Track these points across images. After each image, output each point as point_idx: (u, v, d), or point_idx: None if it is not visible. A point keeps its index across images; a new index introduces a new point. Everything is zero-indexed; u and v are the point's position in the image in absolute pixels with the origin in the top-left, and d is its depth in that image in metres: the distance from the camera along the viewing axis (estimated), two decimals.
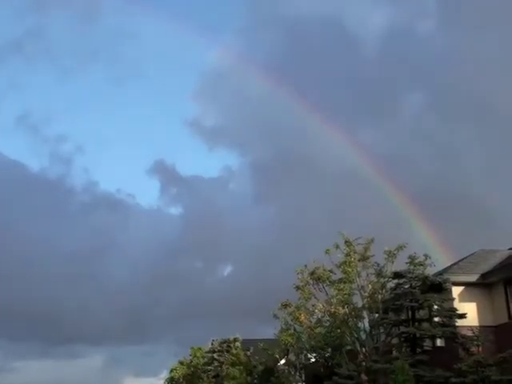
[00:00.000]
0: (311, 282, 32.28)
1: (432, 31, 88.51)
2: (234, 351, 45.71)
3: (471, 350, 25.04)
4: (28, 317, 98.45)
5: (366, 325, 30.89)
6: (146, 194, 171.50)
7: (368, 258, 30.89)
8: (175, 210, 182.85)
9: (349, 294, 30.94)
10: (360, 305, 30.91)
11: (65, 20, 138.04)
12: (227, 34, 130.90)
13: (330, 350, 32.43)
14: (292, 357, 37.28)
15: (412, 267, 27.82)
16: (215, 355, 50.97)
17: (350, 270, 30.63)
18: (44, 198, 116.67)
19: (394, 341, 29.29)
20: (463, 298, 28.41)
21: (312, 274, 32.08)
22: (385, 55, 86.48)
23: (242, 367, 40.79)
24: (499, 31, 69.75)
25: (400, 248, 29.97)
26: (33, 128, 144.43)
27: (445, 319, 26.51)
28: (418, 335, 26.92)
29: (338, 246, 31.15)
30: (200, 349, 53.96)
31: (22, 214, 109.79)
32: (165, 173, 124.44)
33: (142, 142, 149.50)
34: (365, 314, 30.87)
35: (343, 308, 30.71)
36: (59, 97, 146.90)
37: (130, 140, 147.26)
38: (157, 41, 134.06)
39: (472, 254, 31.94)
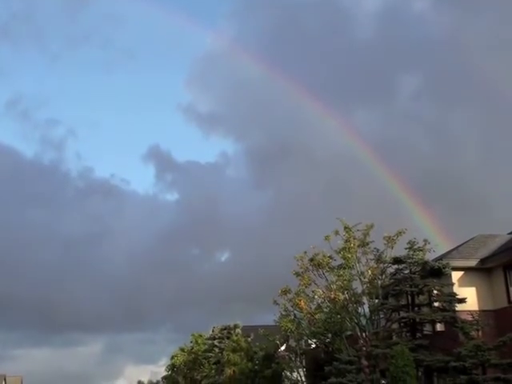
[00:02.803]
0: (311, 268, 32.36)
1: (429, 10, 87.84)
2: (234, 338, 45.81)
3: (471, 334, 25.09)
4: (26, 305, 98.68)
5: (366, 310, 31.02)
6: (142, 179, 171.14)
7: (367, 243, 30.97)
8: (171, 196, 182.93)
9: (348, 280, 31.04)
10: (360, 290, 31.02)
11: (53, 3, 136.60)
12: (220, 17, 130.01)
13: (330, 335, 32.53)
14: (292, 343, 37.41)
15: (411, 253, 27.86)
16: (216, 342, 51.12)
17: (349, 255, 30.71)
18: (38, 184, 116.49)
19: (394, 326, 29.39)
20: (463, 282, 28.46)
21: (312, 260, 32.16)
22: (380, 36, 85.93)
23: (242, 353, 40.92)
24: (498, 11, 69.26)
25: (399, 234, 30.05)
26: (23, 113, 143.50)
27: (444, 304, 26.58)
28: (417, 320, 27.00)
29: (337, 232, 31.21)
30: (201, 335, 54.11)
31: (17, 201, 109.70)
32: (160, 158, 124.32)
33: (135, 127, 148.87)
34: (365, 299, 30.99)
35: (343, 294, 30.83)
36: (50, 81, 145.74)
37: (123, 125, 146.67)
38: (148, 25, 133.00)
39: (471, 239, 31.97)
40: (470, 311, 26.24)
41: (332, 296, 31.08)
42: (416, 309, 27.52)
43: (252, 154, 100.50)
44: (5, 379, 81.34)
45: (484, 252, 29.81)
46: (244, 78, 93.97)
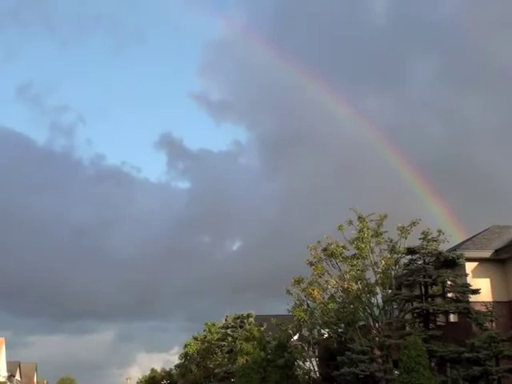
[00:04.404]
0: (324, 257, 32.33)
1: None
2: (247, 327, 45.83)
3: (484, 325, 25.01)
4: (38, 293, 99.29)
5: (379, 300, 30.98)
6: (153, 167, 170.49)
7: (381, 233, 30.88)
8: (183, 184, 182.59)
9: (362, 270, 31.01)
10: (373, 280, 30.97)
11: None
12: (231, 3, 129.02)
13: (343, 325, 32.51)
14: (305, 332, 37.37)
15: (425, 243, 27.72)
16: (229, 331, 51.14)
17: (363, 245, 30.66)
18: (49, 171, 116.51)
19: (407, 316, 29.33)
20: (477, 273, 28.36)
21: (325, 250, 32.12)
22: (393, 21, 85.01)
23: (255, 342, 40.89)
24: None
25: (413, 224, 29.94)
26: (34, 99, 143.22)
27: (458, 295, 26.48)
28: (431, 311, 26.92)
29: (351, 222, 31.14)
30: (214, 324, 54.20)
31: (28, 188, 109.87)
32: (172, 146, 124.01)
33: (147, 114, 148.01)
34: (378, 289, 30.95)
35: (356, 284, 30.80)
36: (59, 66, 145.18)
37: (134, 112, 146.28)
38: (160, 10, 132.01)
39: (486, 230, 31.83)
40: (483, 302, 26.16)
41: (345, 286, 31.06)
42: (429, 299, 27.42)
43: (264, 142, 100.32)
44: (19, 366, 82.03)
45: (498, 243, 29.67)
46: (256, 64, 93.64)
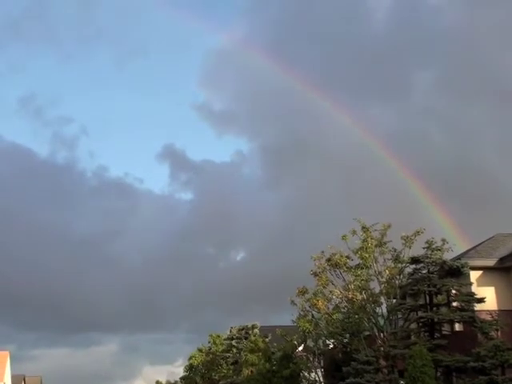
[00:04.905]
0: (328, 268, 32.29)
1: (443, 4, 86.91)
2: (252, 338, 45.82)
3: (490, 334, 24.96)
4: (42, 305, 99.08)
5: (384, 310, 30.90)
6: (156, 179, 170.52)
7: (385, 243, 30.85)
8: (186, 196, 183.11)
9: (366, 280, 30.95)
10: (377, 290, 30.91)
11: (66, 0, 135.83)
12: (232, 14, 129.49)
13: (348, 335, 32.43)
14: (310, 343, 37.31)
15: (429, 252, 27.72)
16: (234, 342, 51.13)
17: (367, 255, 30.61)
18: (52, 183, 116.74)
19: (412, 326, 29.27)
20: (481, 282, 28.28)
21: (329, 260, 32.08)
22: (394, 30, 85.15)
23: (260, 354, 40.86)
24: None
25: (417, 233, 29.90)
26: (36, 111, 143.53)
27: (463, 304, 26.43)
28: (436, 320, 26.87)
29: (354, 232, 31.11)
30: (219, 336, 54.15)
31: (31, 201, 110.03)
32: (175, 157, 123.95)
33: (149, 125, 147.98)
34: (382, 299, 30.87)
35: (361, 294, 30.73)
36: (62, 79, 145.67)
37: (136, 123, 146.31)
38: (161, 23, 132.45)
39: (490, 238, 31.77)
40: (488, 311, 26.09)
41: (350, 296, 30.99)
42: (434, 309, 27.39)
43: (266, 152, 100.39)
44: (24, 380, 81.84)
45: (503, 251, 29.60)
46: (257, 75, 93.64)
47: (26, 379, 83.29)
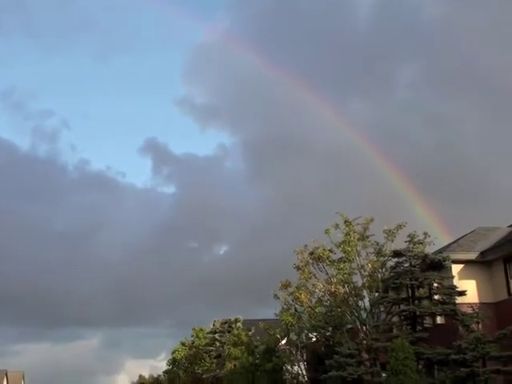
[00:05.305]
0: (311, 261, 32.37)
1: None
2: (235, 332, 45.85)
3: (471, 327, 25.12)
4: (24, 300, 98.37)
5: (367, 303, 31.04)
6: (138, 172, 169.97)
7: (367, 237, 30.97)
8: (168, 189, 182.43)
9: (349, 274, 31.07)
10: (360, 284, 31.04)
11: None
12: (215, 8, 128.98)
13: (330, 329, 32.56)
14: (293, 336, 37.44)
15: (411, 246, 27.83)
16: (217, 336, 51.18)
17: (349, 249, 30.72)
18: (34, 176, 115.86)
19: (395, 319, 29.41)
20: (463, 275, 28.48)
21: (312, 253, 32.17)
22: (377, 25, 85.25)
23: (243, 347, 40.95)
24: None
25: (399, 227, 30.04)
26: (17, 104, 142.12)
27: (445, 297, 26.57)
28: (418, 313, 27.00)
29: (337, 226, 31.20)
30: (202, 329, 54.16)
31: (12, 194, 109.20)
32: (157, 151, 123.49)
33: (131, 119, 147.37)
34: (365, 292, 31.00)
35: (343, 287, 30.86)
36: (42, 72, 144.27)
37: (118, 117, 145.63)
38: (144, 17, 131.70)
39: (471, 232, 31.99)
40: (470, 304, 26.27)
41: (332, 289, 31.10)
42: (416, 302, 27.51)
43: (249, 146, 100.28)
44: (6, 375, 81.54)
45: (484, 245, 29.82)
46: (240, 69, 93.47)
47: (8, 374, 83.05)
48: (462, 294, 26.56)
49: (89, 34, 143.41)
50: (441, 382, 25.13)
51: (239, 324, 50.06)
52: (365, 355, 28.81)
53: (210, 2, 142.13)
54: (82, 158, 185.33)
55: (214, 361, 49.18)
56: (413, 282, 27.09)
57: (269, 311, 38.62)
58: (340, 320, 31.31)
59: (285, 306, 34.86)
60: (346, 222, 31.10)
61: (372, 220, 31.19)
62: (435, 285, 27.40)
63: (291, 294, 33.73)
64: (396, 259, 28.57)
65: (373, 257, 30.81)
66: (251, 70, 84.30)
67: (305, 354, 37.14)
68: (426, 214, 42.73)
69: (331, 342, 32.04)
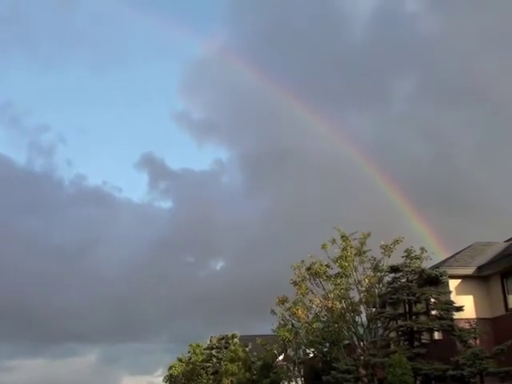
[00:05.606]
0: (308, 277, 32.32)
1: (422, 11, 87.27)
2: (232, 347, 45.70)
3: (468, 342, 25.05)
4: (18, 315, 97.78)
5: (364, 319, 30.95)
6: (135, 187, 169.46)
7: (364, 252, 30.93)
8: (165, 204, 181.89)
9: (346, 289, 31.00)
10: (357, 299, 30.95)
11: (42, 4, 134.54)
12: (212, 23, 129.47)
13: (327, 344, 32.44)
14: (290, 352, 37.29)
15: (408, 261, 27.81)
16: (214, 352, 51.04)
17: (346, 264, 30.67)
18: (30, 191, 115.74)
19: (392, 334, 29.32)
20: (460, 290, 28.44)
21: (309, 269, 32.12)
22: (373, 38, 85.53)
23: (240, 363, 40.80)
24: (489, 11, 69.03)
25: (396, 242, 30.02)
26: (13, 119, 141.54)
27: (442, 312, 26.52)
28: (415, 329, 26.94)
29: (334, 241, 31.17)
30: (199, 345, 53.95)
31: (8, 209, 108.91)
32: (154, 166, 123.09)
33: (128, 134, 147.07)
34: (362, 308, 30.92)
35: (340, 303, 30.78)
36: (38, 86, 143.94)
37: (114, 132, 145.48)
38: (140, 31, 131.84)
39: (468, 247, 31.99)
40: (467, 319, 26.20)
41: (329, 305, 31.02)
42: (413, 317, 27.45)
43: (246, 160, 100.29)
44: None
45: (481, 260, 29.80)
46: (236, 83, 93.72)
47: None
48: (460, 309, 26.50)
49: (85, 48, 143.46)
50: None
51: (236, 340, 49.92)
52: (362, 371, 28.66)
53: (207, 16, 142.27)
54: (79, 172, 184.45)
55: (211, 377, 48.97)
56: (410, 298, 27.03)
57: (266, 327, 38.54)
58: (337, 335, 31.20)
59: (282, 322, 34.76)
60: (342, 236, 31.07)
61: (369, 235, 31.17)
62: (432, 300, 27.34)
63: (288, 309, 33.65)
64: (393, 274, 28.53)
65: (370, 272, 30.75)
66: (248, 85, 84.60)
67: (302, 370, 36.97)
68: (423, 228, 42.70)
69: (328, 358, 31.91)
